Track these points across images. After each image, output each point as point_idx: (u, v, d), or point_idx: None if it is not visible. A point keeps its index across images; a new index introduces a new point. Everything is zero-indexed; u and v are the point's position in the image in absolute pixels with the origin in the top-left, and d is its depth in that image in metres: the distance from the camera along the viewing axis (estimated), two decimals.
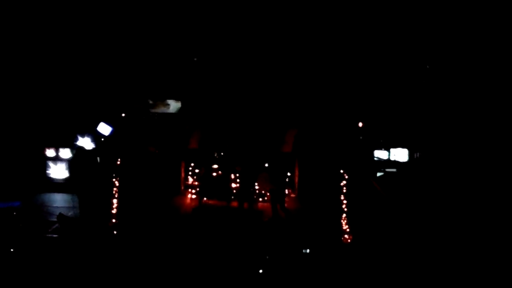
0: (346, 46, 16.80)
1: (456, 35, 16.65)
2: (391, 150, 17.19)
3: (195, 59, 17.19)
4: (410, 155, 17.18)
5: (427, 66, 16.77)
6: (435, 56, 16.91)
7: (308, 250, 12.94)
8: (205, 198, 16.64)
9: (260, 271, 12.12)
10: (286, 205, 16.02)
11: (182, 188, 17.80)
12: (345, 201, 14.53)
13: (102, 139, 15.75)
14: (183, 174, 17.87)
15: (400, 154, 17.23)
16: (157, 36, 17.04)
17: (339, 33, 16.72)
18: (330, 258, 12.75)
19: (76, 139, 16.62)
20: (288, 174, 17.11)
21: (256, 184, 16.36)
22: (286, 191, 16.80)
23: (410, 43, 16.82)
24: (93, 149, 16.34)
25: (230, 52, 17.18)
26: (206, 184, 16.71)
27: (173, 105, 17.60)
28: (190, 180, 17.72)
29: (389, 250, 12.94)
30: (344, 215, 14.35)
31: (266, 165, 16.71)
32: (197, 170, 17.36)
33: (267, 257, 12.47)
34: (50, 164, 17.28)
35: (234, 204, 16.31)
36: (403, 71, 16.99)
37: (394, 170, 17.10)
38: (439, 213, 14.89)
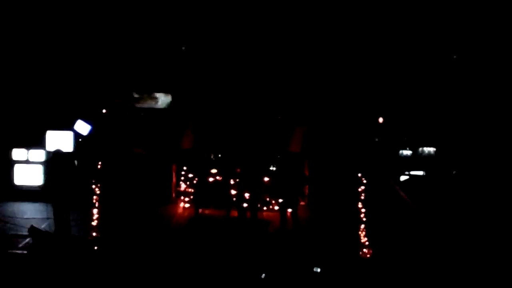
0: (365, 31, 15.98)
1: (486, 23, 15.84)
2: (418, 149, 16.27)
3: (183, 48, 16.59)
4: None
5: (454, 56, 15.95)
6: (463, 45, 16.13)
7: (319, 270, 11.90)
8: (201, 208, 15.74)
9: None
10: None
11: (174, 195, 16.82)
12: (363, 210, 13.41)
13: (80, 140, 15.38)
14: (174, 179, 16.88)
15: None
16: (142, 20, 16.37)
17: (359, 17, 15.93)
18: (346, 275, 11.77)
19: (49, 139, 15.97)
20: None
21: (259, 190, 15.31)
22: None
23: (436, 30, 15.99)
24: (70, 151, 15.67)
25: (228, 39, 16.45)
26: (202, 191, 15.77)
27: (162, 99, 16.91)
28: (183, 186, 16.67)
29: (415, 267, 11.97)
30: (362, 226, 13.25)
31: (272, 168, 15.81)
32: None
33: (263, 276, 11.56)
34: (19, 168, 16.64)
35: (235, 213, 15.26)
36: (429, 59, 16.11)
37: (421, 173, 16.08)
38: (474, 224, 13.98)
